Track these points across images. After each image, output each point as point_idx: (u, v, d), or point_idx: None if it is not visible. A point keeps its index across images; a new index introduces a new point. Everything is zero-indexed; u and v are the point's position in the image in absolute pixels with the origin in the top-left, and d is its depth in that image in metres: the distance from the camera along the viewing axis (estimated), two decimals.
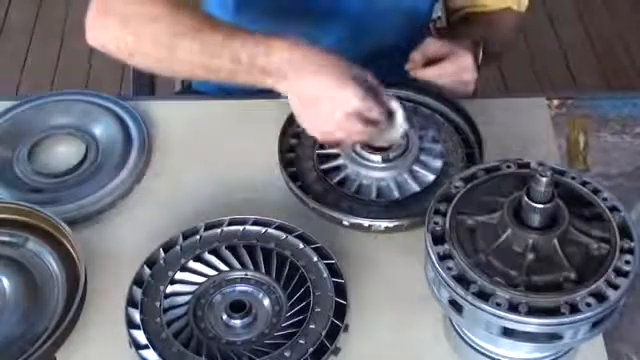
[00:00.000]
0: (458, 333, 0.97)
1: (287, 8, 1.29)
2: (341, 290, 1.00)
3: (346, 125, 1.01)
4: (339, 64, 1.01)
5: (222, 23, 1.05)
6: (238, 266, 1.05)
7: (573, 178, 0.93)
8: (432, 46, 1.18)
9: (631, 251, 0.86)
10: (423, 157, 1.13)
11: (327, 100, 1.01)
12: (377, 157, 1.09)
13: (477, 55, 1.19)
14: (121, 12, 1.06)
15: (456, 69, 1.17)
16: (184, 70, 1.08)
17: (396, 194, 1.10)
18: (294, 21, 1.28)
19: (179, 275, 1.03)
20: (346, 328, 0.98)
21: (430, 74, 1.18)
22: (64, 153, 1.21)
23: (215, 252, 1.05)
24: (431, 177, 1.11)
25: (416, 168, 1.12)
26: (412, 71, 1.18)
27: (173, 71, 1.11)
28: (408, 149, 1.11)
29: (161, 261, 1.04)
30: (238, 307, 1.00)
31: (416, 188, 1.10)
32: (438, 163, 1.12)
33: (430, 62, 1.17)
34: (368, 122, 1.02)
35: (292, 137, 1.18)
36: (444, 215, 0.90)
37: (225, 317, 1.00)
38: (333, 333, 0.96)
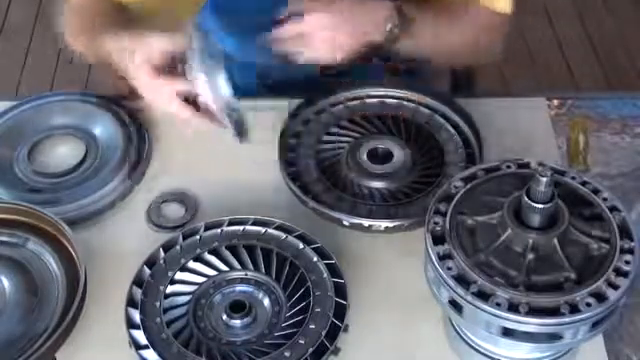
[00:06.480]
0: (458, 333, 0.96)
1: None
2: (341, 290, 1.00)
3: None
4: None
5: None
6: (238, 266, 1.05)
7: (573, 178, 0.93)
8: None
9: (631, 251, 0.85)
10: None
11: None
12: None
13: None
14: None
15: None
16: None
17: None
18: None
19: (179, 275, 1.03)
20: (346, 328, 0.98)
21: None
22: (64, 153, 1.21)
23: (215, 252, 1.05)
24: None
25: None
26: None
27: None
28: None
29: (161, 261, 1.04)
30: (238, 307, 1.00)
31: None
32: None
33: None
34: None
35: (292, 137, 1.18)
36: (444, 215, 0.90)
37: (225, 317, 1.00)
38: (333, 333, 0.96)
